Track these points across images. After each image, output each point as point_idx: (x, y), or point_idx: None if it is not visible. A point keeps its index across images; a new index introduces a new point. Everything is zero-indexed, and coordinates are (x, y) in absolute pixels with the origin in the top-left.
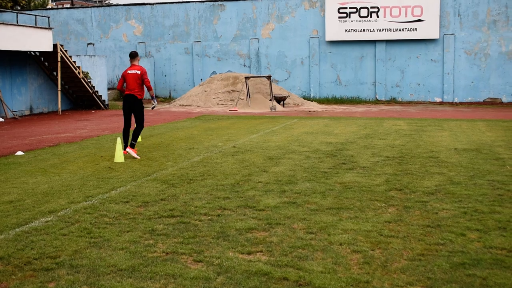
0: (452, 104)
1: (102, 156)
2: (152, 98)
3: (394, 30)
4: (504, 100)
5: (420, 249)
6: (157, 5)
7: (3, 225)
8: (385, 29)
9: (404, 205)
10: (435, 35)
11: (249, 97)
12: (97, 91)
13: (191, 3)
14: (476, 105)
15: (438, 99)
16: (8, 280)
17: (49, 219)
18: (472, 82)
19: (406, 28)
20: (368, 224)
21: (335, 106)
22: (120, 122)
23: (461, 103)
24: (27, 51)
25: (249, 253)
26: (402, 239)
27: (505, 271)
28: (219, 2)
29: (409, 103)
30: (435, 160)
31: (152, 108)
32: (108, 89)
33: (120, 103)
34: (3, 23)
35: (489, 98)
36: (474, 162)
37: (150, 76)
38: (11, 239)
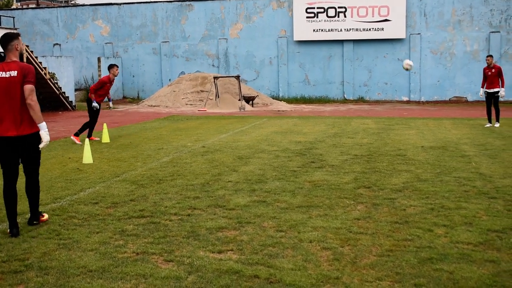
0: (418, 103)
1: (70, 158)
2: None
3: (362, 30)
4: (469, 98)
5: (389, 245)
6: (124, 5)
7: None
8: (353, 29)
9: (373, 202)
10: (402, 35)
11: (218, 97)
12: (64, 92)
13: (158, 3)
14: (442, 103)
15: (405, 98)
16: None
17: (17, 221)
18: (438, 81)
19: (373, 28)
20: (338, 222)
21: (303, 105)
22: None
23: (427, 102)
24: None
25: (219, 252)
26: (371, 236)
27: (471, 265)
28: (187, 2)
29: (377, 102)
30: (403, 158)
31: (93, 107)
32: (75, 90)
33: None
34: None
35: (454, 96)
36: (441, 159)
37: (118, 77)
38: None
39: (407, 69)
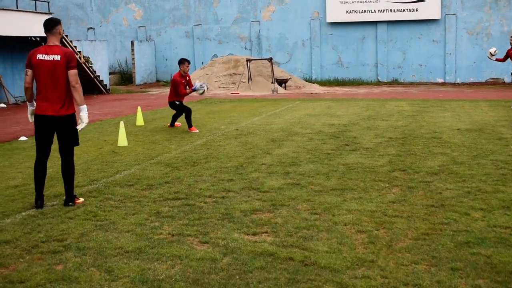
0: (454, 84)
1: (105, 140)
2: None
3: (396, 10)
4: (506, 80)
5: (425, 229)
6: None
7: (10, 209)
8: (387, 10)
9: (408, 185)
10: (437, 16)
11: (251, 80)
12: (99, 76)
13: None
14: (478, 85)
15: (440, 80)
16: (16, 263)
17: (55, 203)
18: (474, 62)
19: (407, 9)
20: (372, 205)
21: (337, 88)
22: (122, 106)
23: (463, 84)
24: (27, 37)
25: (254, 234)
26: (406, 219)
27: (509, 249)
28: None
29: (411, 84)
30: (438, 140)
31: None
32: (109, 73)
33: (122, 88)
34: (3, 9)
35: (491, 78)
36: (477, 142)
37: (151, 60)
38: (18, 223)
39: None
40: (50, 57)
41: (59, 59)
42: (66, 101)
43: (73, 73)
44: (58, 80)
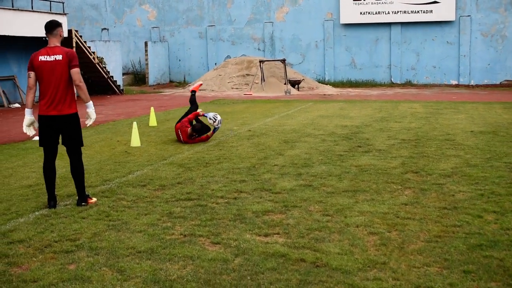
0: (468, 86)
1: (118, 141)
2: None
3: (409, 12)
4: None
5: (437, 231)
6: None
7: (23, 209)
8: (400, 11)
9: (421, 187)
10: (451, 17)
11: (264, 81)
12: (112, 76)
13: None
14: (493, 87)
15: (454, 82)
16: (29, 262)
17: (68, 202)
18: (489, 64)
19: (421, 10)
20: (385, 206)
21: (350, 89)
22: (135, 106)
23: (477, 86)
24: (42, 37)
25: (266, 235)
26: (418, 221)
27: None
28: None
29: (425, 86)
30: (451, 142)
31: None
32: (123, 74)
33: (135, 88)
34: (18, 9)
35: (505, 80)
36: (491, 144)
37: (164, 61)
38: (31, 222)
39: None
40: (52, 58)
41: (61, 59)
42: (68, 100)
43: (76, 71)
44: (61, 79)
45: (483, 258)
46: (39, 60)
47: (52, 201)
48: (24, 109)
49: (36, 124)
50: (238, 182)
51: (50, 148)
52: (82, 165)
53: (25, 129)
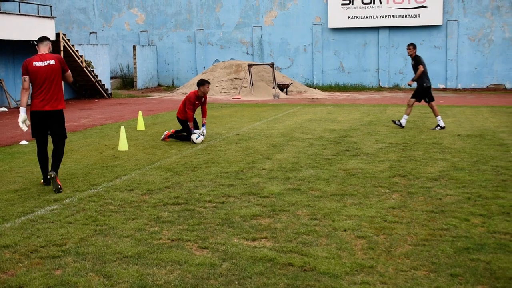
0: (455, 90)
1: (106, 145)
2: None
3: (397, 16)
4: (508, 86)
5: (424, 235)
6: None
7: (9, 214)
8: (388, 15)
9: (408, 191)
10: (439, 22)
11: (252, 85)
12: (100, 80)
13: None
14: (480, 91)
15: (442, 86)
16: (15, 268)
17: (55, 207)
18: (476, 68)
19: (409, 15)
20: (372, 210)
21: (338, 93)
22: (123, 110)
23: (464, 90)
24: (30, 41)
25: (254, 240)
26: (406, 225)
27: (508, 256)
28: None
29: (413, 89)
30: (439, 146)
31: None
32: (111, 78)
33: (123, 92)
34: (6, 13)
35: (492, 84)
36: (478, 148)
37: (153, 65)
38: (17, 227)
39: None
40: (46, 63)
41: (54, 63)
42: (59, 98)
43: (69, 73)
44: (54, 81)
45: (470, 261)
46: (34, 65)
47: (47, 180)
48: (17, 110)
49: (28, 122)
50: (226, 186)
51: (42, 138)
52: (63, 150)
53: (20, 124)
